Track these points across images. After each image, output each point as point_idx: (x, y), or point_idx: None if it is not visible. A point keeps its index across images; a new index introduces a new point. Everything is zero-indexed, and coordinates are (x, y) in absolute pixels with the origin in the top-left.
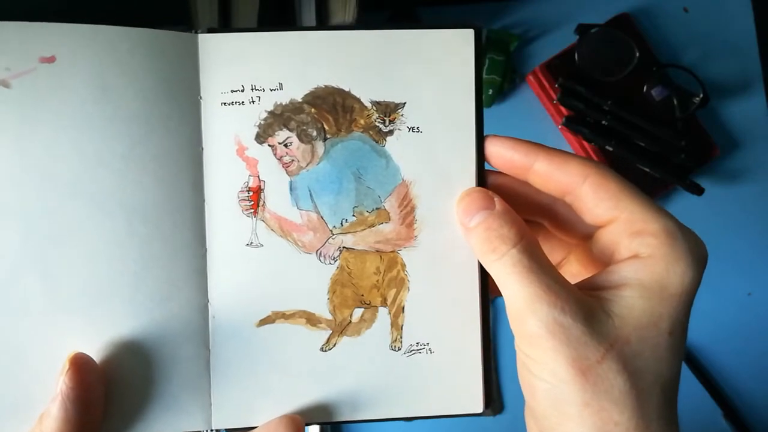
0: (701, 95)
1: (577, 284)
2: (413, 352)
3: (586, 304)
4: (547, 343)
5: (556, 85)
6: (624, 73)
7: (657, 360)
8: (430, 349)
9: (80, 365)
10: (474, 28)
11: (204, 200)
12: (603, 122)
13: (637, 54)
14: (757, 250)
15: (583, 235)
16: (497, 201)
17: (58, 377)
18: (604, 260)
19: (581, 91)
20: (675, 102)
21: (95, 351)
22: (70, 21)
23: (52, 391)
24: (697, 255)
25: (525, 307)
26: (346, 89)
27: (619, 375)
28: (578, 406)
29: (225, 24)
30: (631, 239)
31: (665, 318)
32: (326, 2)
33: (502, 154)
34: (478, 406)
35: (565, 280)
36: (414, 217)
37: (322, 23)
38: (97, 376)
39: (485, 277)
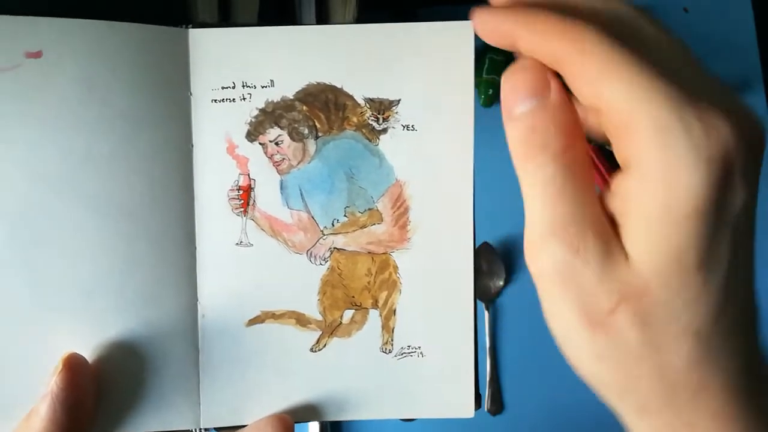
0: None
1: (602, 193)
2: (404, 355)
3: (605, 239)
4: (555, 289)
5: None
6: None
7: (687, 305)
8: (421, 353)
9: (73, 366)
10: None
11: (194, 199)
12: None
13: None
14: (756, 251)
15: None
16: (554, 86)
17: (50, 377)
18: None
19: None
20: None
21: (84, 350)
22: (59, 15)
23: (40, 390)
24: (712, 145)
25: (540, 240)
26: (339, 86)
27: (632, 330)
28: (591, 358)
29: (224, 22)
30: (616, 139)
31: (686, 249)
32: (326, 1)
33: (486, 29)
34: (469, 411)
35: (593, 203)
36: (407, 218)
37: (322, 22)
38: (89, 377)
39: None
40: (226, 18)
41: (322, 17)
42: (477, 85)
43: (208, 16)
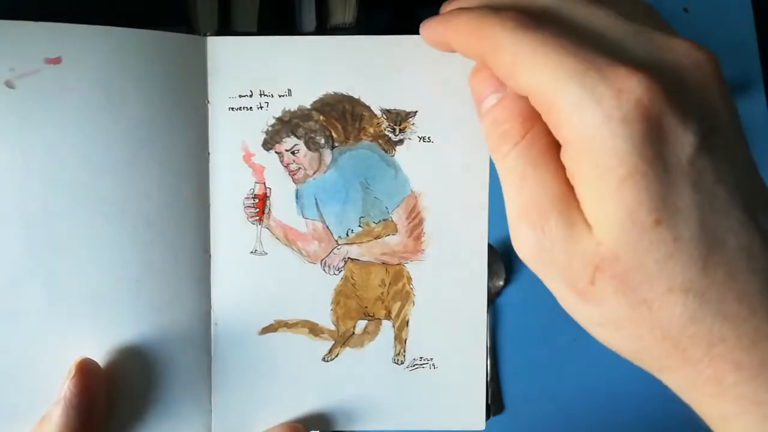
0: None
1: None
2: (416, 366)
3: (568, 215)
4: (538, 268)
5: None
6: None
7: (661, 264)
8: (433, 365)
9: (86, 371)
10: None
11: (209, 206)
12: None
13: None
14: None
15: None
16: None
17: (63, 382)
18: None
19: None
20: None
21: (97, 356)
22: (74, 21)
23: (54, 395)
24: (623, 105)
25: (514, 225)
26: (356, 96)
27: (614, 295)
28: (594, 326)
29: (225, 24)
30: (547, 121)
31: (636, 210)
32: (326, 2)
33: (428, 37)
34: (480, 423)
35: (561, 182)
36: (422, 230)
37: (322, 23)
38: (101, 382)
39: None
40: (226, 23)
41: (322, 18)
42: None
43: (209, 23)
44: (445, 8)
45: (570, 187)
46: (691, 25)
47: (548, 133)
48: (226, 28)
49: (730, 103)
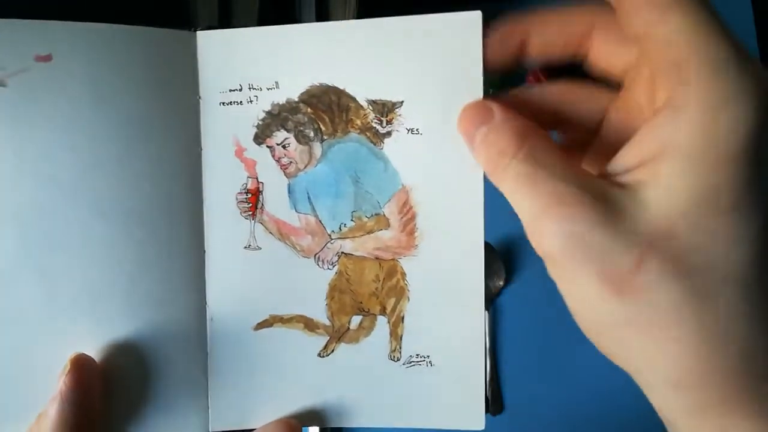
0: None
1: (601, 173)
2: (413, 363)
3: (608, 199)
4: (566, 262)
5: None
6: None
7: (722, 250)
8: (430, 362)
9: (81, 367)
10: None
11: (202, 202)
12: None
13: None
14: None
15: (590, 123)
16: (496, 110)
17: (59, 378)
18: (629, 123)
19: None
20: None
21: (94, 352)
22: (67, 19)
23: (50, 392)
24: (754, 90)
25: (534, 226)
26: (341, 87)
27: (665, 281)
28: (621, 327)
29: (225, 23)
30: (665, 75)
31: (724, 191)
32: (326, 2)
33: (497, 39)
34: (479, 423)
35: (582, 175)
36: (415, 225)
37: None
38: (97, 378)
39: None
40: (226, 20)
41: (322, 17)
42: None
43: (208, 19)
44: None
45: (591, 176)
46: None
47: (547, 140)
48: (226, 27)
49: None
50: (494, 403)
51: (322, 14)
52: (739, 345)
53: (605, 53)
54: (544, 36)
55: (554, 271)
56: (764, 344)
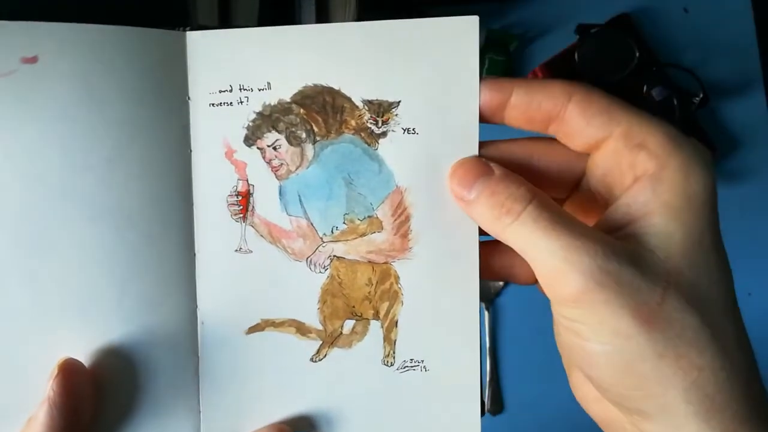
0: (701, 95)
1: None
2: (407, 368)
3: (623, 245)
4: (598, 297)
5: None
6: (624, 73)
7: (715, 284)
8: (424, 367)
9: (69, 371)
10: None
11: (193, 204)
12: None
13: (637, 54)
14: (757, 251)
15: (569, 179)
16: (495, 166)
17: (47, 382)
18: (605, 194)
19: None
20: (675, 102)
21: (84, 356)
22: (67, 18)
23: (40, 396)
24: (705, 156)
25: (563, 263)
26: (336, 88)
27: (686, 312)
28: (653, 360)
29: (224, 23)
30: (634, 154)
31: (706, 233)
32: (326, 3)
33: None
34: (475, 428)
35: (591, 227)
36: (409, 227)
37: (322, 23)
38: (86, 382)
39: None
40: (225, 20)
41: (322, 19)
42: None
43: (208, 19)
44: None
45: (607, 222)
46: (691, 25)
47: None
48: (226, 27)
49: None
50: (494, 403)
51: (322, 14)
52: (743, 370)
53: (577, 125)
54: (525, 100)
55: (576, 313)
56: (754, 368)
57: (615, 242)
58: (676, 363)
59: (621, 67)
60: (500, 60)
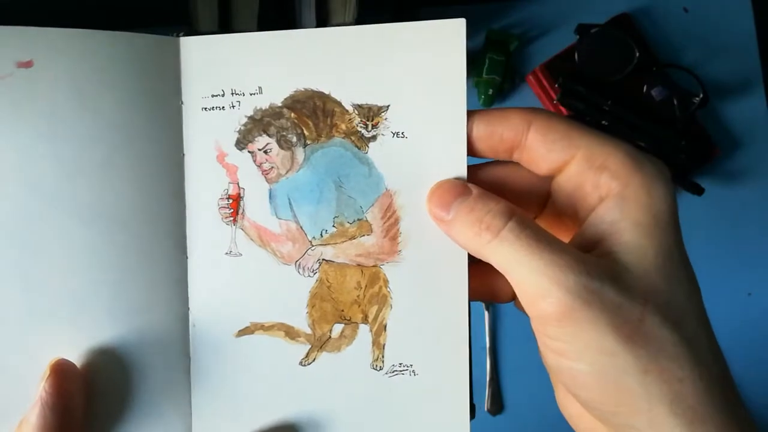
0: (701, 95)
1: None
2: (395, 373)
3: (603, 263)
4: (583, 315)
5: (556, 85)
6: (624, 73)
7: (688, 297)
8: (413, 371)
9: (61, 372)
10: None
11: (185, 207)
12: (603, 122)
13: (637, 54)
14: (757, 251)
15: (537, 200)
16: (472, 186)
17: (39, 383)
18: (571, 214)
19: (581, 91)
20: (675, 102)
21: (76, 358)
22: (70, 22)
23: (33, 398)
24: (665, 173)
25: (546, 281)
26: (327, 92)
27: (664, 327)
28: (638, 376)
29: (225, 25)
30: (597, 175)
31: (674, 249)
32: (326, 2)
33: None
34: None
35: (570, 245)
36: (398, 230)
37: (322, 24)
38: (78, 383)
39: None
40: (226, 24)
41: (322, 20)
42: (476, 84)
43: (209, 23)
44: None
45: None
46: (691, 25)
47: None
48: (226, 29)
49: None
50: (494, 403)
51: (322, 16)
52: (719, 377)
53: (538, 151)
54: (487, 132)
55: (559, 332)
56: (728, 374)
57: (595, 260)
58: (660, 377)
59: (621, 67)
60: (500, 60)
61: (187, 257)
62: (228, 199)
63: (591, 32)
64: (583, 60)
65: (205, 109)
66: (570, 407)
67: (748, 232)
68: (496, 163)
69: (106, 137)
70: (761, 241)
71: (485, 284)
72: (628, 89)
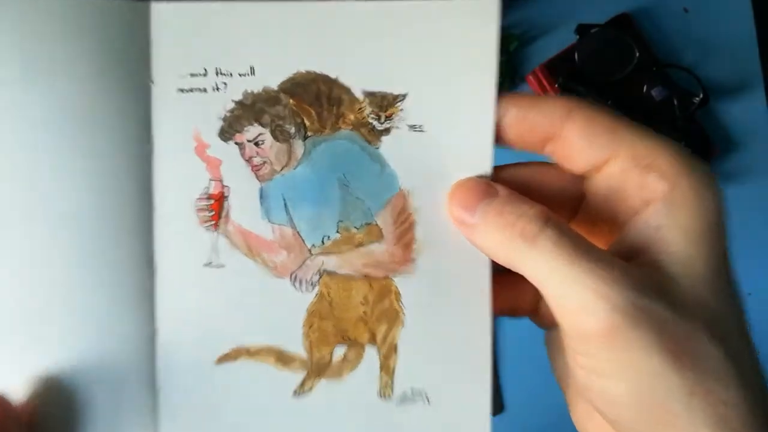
0: (701, 95)
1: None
2: (407, 401)
3: (649, 275)
4: (631, 335)
5: (556, 85)
6: (624, 73)
7: (735, 315)
8: (427, 398)
9: None
10: None
11: (153, 209)
12: None
13: (637, 54)
14: (757, 250)
15: (569, 204)
16: (499, 187)
17: None
18: (609, 219)
19: (581, 91)
20: (675, 102)
21: (20, 385)
22: None
23: None
24: (713, 176)
25: (591, 296)
26: (333, 76)
27: (711, 345)
28: (684, 397)
29: None
30: (643, 175)
31: (722, 259)
32: None
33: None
34: None
35: (612, 254)
36: (413, 235)
37: None
38: (12, 419)
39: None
40: None
41: None
42: None
43: None
44: None
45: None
46: (691, 25)
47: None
48: None
49: None
50: (494, 403)
51: None
52: (760, 399)
53: (578, 145)
54: (521, 116)
55: (598, 349)
56: (765, 392)
57: (640, 271)
58: (705, 400)
59: (621, 67)
60: (500, 60)
61: (154, 268)
62: (208, 199)
63: (591, 32)
64: (583, 60)
65: (182, 90)
66: (588, 424)
67: (748, 231)
68: (520, 164)
69: (57, 119)
70: (761, 242)
71: (505, 297)
72: (628, 89)
